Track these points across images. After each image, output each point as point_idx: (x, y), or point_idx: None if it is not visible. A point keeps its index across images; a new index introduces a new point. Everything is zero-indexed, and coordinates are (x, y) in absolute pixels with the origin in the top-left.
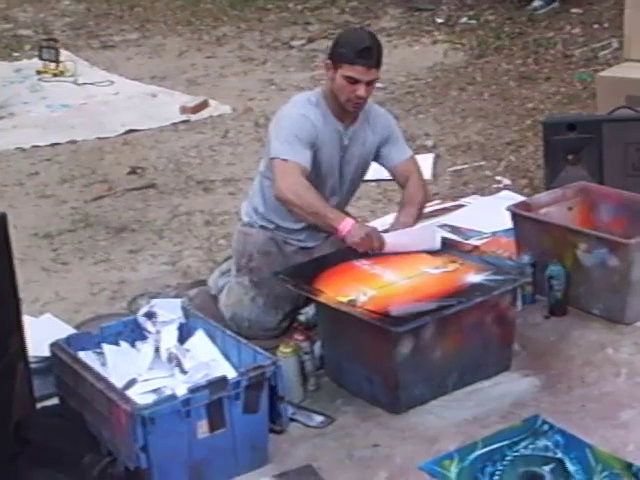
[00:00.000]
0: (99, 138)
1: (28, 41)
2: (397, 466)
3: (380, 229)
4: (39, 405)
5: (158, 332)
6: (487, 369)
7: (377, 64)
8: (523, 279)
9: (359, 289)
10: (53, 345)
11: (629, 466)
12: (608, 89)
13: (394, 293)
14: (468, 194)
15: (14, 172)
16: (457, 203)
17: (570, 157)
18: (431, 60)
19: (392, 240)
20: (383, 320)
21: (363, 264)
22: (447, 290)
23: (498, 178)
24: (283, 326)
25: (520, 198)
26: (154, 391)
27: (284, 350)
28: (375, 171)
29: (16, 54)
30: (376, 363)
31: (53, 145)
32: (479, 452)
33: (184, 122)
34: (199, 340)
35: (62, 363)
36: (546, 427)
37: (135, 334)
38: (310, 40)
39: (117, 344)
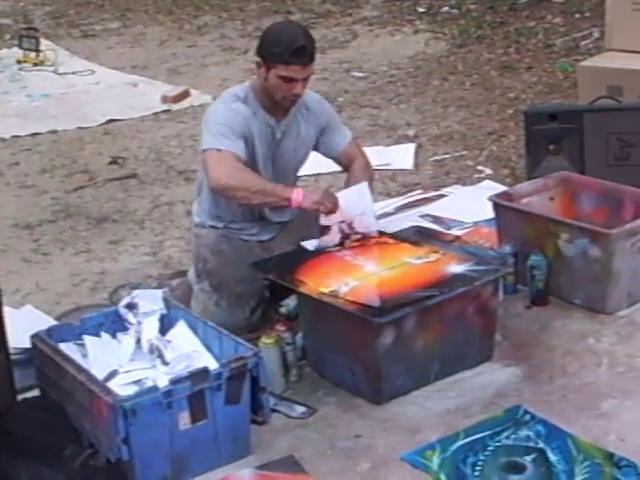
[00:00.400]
0: (80, 128)
1: (8, 30)
2: (379, 457)
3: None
4: (20, 397)
5: (139, 323)
6: (469, 359)
7: (312, 60)
8: (505, 269)
9: (341, 280)
10: (34, 336)
11: (610, 456)
12: (589, 79)
13: (376, 284)
14: (450, 184)
15: None
16: (439, 193)
17: (551, 147)
18: (412, 49)
19: (341, 199)
20: (365, 311)
21: (345, 255)
22: (429, 280)
23: (480, 168)
24: (254, 321)
25: (502, 188)
26: (135, 382)
27: (266, 341)
28: None
29: None
30: (358, 354)
31: (33, 135)
32: (461, 442)
33: (165, 112)
34: (180, 331)
35: (43, 355)
36: (528, 417)
37: (116, 325)
38: None
39: (98, 335)
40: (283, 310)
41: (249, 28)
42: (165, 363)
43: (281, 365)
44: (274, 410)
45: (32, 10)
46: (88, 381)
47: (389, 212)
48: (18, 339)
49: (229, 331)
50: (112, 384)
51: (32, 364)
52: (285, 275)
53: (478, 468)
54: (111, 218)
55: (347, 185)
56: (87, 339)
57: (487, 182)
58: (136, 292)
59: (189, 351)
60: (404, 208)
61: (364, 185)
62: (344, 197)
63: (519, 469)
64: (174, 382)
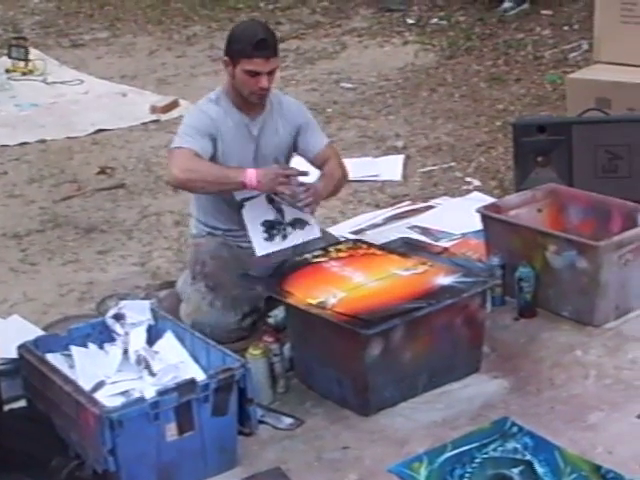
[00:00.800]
0: (68, 137)
1: None
2: (366, 468)
3: (350, 230)
4: (6, 407)
5: (127, 334)
6: (457, 371)
7: (275, 53)
8: (493, 281)
9: (329, 291)
10: (21, 347)
11: (597, 468)
12: (578, 91)
13: (364, 295)
14: (438, 195)
15: None
16: (427, 204)
17: (540, 159)
18: (402, 61)
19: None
20: (353, 322)
21: (333, 266)
22: (417, 292)
23: (468, 179)
24: (244, 326)
25: (490, 199)
26: (122, 393)
27: (253, 352)
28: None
29: None
30: (345, 365)
31: (22, 144)
32: (448, 454)
33: (154, 122)
34: (168, 342)
35: (30, 365)
36: (515, 429)
37: (103, 336)
38: (281, 40)
39: (85, 346)
40: (271, 321)
41: None
42: (152, 374)
43: (268, 376)
44: (261, 421)
45: (21, 19)
46: (75, 392)
47: (377, 223)
48: (5, 349)
49: (219, 332)
50: (99, 395)
51: (19, 374)
52: (273, 286)
53: None
54: (99, 228)
55: (319, 177)
56: (74, 350)
57: (475, 194)
58: (124, 303)
59: (176, 362)
60: (392, 219)
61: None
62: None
63: None
64: (161, 393)
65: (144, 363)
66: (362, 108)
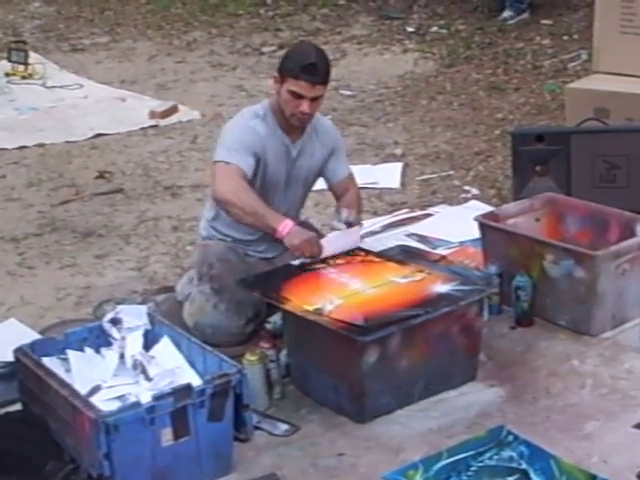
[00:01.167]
0: (67, 142)
1: None
2: (361, 475)
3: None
4: (2, 411)
5: (123, 338)
6: (453, 379)
7: (323, 81)
8: (490, 289)
9: (326, 297)
10: (17, 350)
11: (593, 478)
12: (577, 101)
13: (361, 302)
14: (436, 203)
15: None
16: (425, 212)
17: (538, 168)
18: (401, 69)
19: (327, 245)
20: (349, 329)
21: (330, 272)
22: (414, 300)
23: (466, 188)
24: (247, 331)
25: (488, 208)
26: (118, 398)
27: (250, 358)
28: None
29: None
30: (342, 372)
31: (21, 148)
32: (444, 462)
33: (153, 127)
34: (164, 347)
35: (26, 369)
36: (511, 438)
37: (100, 340)
38: (281, 47)
39: (82, 350)
40: (269, 326)
41: (238, 45)
42: (148, 379)
43: (265, 382)
44: (257, 427)
45: (21, 23)
46: (71, 396)
47: (375, 231)
48: (1, 352)
49: (220, 335)
50: (95, 399)
51: (15, 378)
52: (270, 292)
53: None
54: (97, 233)
55: (337, 207)
56: (70, 354)
57: (473, 202)
58: (120, 307)
59: (173, 367)
60: (390, 227)
61: (356, 230)
62: (331, 241)
63: None
64: (157, 398)
65: (140, 368)
66: (361, 115)
